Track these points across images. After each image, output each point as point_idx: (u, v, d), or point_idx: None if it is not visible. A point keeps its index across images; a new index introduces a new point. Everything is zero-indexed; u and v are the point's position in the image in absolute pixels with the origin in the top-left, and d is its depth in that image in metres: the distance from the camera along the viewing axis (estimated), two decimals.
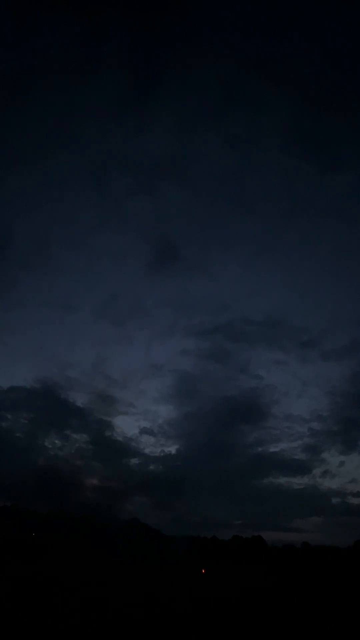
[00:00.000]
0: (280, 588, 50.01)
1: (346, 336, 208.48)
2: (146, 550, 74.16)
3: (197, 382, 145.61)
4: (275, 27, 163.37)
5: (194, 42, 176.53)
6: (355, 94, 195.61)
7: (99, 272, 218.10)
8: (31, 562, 56.00)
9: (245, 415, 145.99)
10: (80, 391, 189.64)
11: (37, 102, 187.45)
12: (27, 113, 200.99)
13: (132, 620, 26.66)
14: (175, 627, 25.62)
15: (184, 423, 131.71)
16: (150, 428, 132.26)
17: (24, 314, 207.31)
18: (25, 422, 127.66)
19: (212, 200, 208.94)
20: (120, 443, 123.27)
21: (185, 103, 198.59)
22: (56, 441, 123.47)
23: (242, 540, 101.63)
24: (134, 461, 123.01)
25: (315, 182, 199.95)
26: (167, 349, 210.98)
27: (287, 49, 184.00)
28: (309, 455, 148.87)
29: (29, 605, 28.12)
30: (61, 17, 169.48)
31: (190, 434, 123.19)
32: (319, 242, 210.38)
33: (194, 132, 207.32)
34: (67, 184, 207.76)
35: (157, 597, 37.47)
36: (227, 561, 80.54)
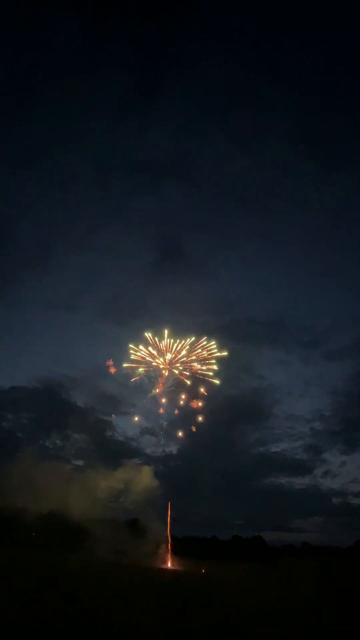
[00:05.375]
0: (280, 588, 50.07)
1: (349, 336, 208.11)
2: (146, 550, 74.20)
3: (199, 382, 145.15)
4: (280, 26, 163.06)
5: (198, 41, 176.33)
6: None
7: (101, 271, 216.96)
8: (31, 562, 56.00)
9: (247, 415, 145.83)
10: (81, 391, 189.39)
11: (41, 101, 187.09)
12: (30, 112, 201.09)
13: (132, 621, 26.67)
14: (176, 627, 25.64)
15: (185, 423, 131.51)
16: (152, 428, 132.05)
17: (26, 314, 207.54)
18: (26, 422, 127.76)
19: (216, 200, 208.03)
20: (121, 443, 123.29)
21: (189, 102, 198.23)
22: (57, 441, 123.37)
23: (242, 540, 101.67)
24: (135, 461, 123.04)
25: (320, 182, 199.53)
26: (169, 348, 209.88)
27: (292, 48, 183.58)
28: (310, 455, 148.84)
29: (28, 605, 28.14)
30: (65, 17, 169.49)
31: (192, 433, 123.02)
32: (324, 242, 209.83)
33: (198, 131, 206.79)
34: (70, 183, 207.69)
35: (157, 597, 37.49)
36: (227, 561, 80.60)
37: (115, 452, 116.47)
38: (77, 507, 74.46)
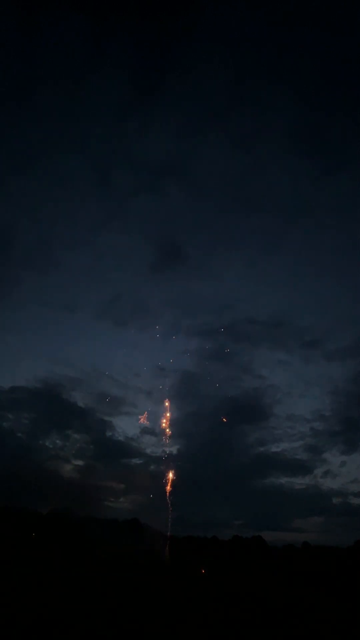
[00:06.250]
0: (281, 588, 50.05)
1: (349, 336, 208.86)
2: (146, 550, 74.28)
3: (200, 382, 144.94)
4: (279, 26, 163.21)
5: (198, 41, 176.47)
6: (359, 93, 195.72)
7: (101, 272, 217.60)
8: (31, 562, 56.06)
9: (248, 415, 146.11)
10: (81, 391, 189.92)
11: (41, 101, 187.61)
12: (30, 113, 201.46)
13: (131, 621, 26.67)
14: (177, 627, 25.63)
15: (185, 423, 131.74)
16: (152, 428, 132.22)
17: (26, 314, 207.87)
18: (26, 422, 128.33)
19: (216, 200, 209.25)
20: (122, 443, 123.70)
21: (189, 102, 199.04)
22: (57, 441, 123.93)
23: (242, 540, 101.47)
24: (135, 461, 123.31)
25: (319, 182, 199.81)
26: (170, 349, 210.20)
27: (291, 48, 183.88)
28: (310, 455, 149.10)
29: (28, 605, 28.15)
30: (65, 16, 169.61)
31: (192, 434, 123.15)
32: (323, 242, 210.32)
33: (198, 132, 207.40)
34: (70, 184, 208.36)
35: (158, 597, 37.49)
36: (227, 561, 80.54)
37: (116, 452, 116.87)
38: (78, 507, 74.57)
